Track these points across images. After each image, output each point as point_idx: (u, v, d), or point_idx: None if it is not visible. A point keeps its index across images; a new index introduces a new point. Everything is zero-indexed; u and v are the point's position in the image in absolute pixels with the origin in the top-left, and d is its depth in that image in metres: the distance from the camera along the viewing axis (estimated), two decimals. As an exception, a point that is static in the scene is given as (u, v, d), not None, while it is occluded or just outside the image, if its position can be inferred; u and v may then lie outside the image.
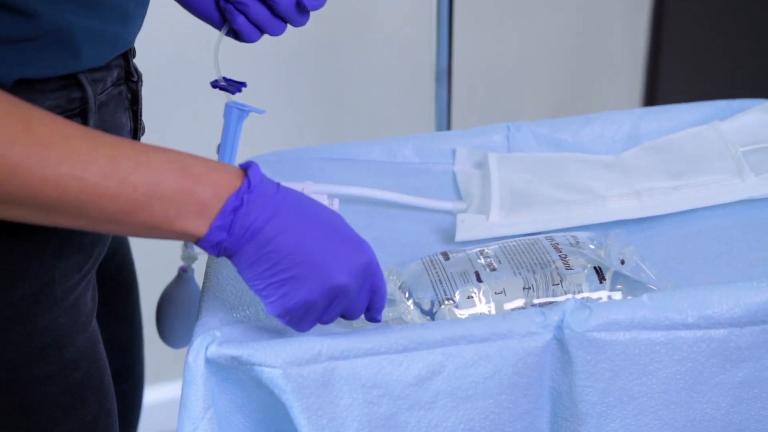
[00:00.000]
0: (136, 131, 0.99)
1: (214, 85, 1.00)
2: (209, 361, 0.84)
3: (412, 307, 0.93)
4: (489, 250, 0.97)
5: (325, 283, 0.79)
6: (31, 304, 0.86)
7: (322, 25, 1.96)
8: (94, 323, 0.95)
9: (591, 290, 0.93)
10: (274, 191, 0.78)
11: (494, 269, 0.94)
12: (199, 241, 0.77)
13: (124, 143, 0.75)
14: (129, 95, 0.95)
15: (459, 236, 1.05)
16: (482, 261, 0.95)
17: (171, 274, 1.15)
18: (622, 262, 0.96)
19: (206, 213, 0.76)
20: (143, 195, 0.74)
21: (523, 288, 0.93)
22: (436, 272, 0.95)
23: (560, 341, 0.86)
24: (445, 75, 1.74)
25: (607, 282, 0.93)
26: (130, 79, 0.96)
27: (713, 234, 1.04)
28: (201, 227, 0.76)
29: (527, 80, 2.20)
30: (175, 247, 1.07)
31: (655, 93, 2.27)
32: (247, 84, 1.00)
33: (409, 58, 2.04)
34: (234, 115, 0.99)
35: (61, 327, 0.89)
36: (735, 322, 0.85)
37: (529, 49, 2.17)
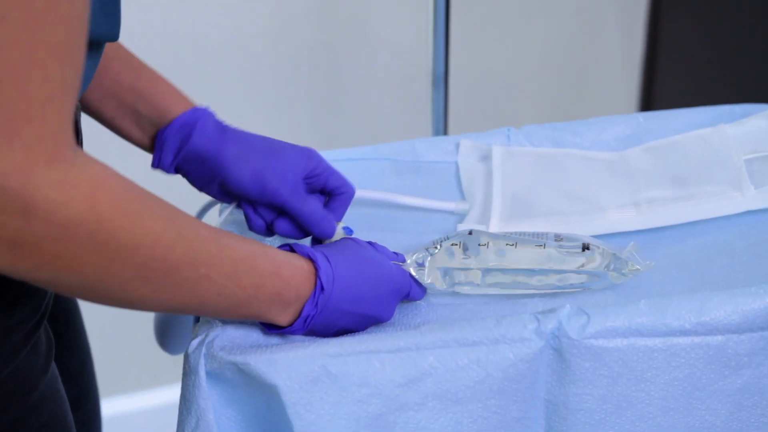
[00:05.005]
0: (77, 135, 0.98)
1: None
2: (205, 362, 0.85)
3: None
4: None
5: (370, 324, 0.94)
6: None
7: (320, 31, 1.96)
8: (53, 363, 0.94)
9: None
10: (332, 277, 0.88)
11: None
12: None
13: (238, 244, 0.82)
14: None
15: None
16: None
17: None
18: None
19: (289, 310, 0.87)
20: (249, 297, 0.83)
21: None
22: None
23: (556, 350, 0.85)
24: (441, 80, 1.74)
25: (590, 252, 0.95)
26: None
27: (715, 247, 1.04)
28: (283, 321, 0.87)
29: (524, 85, 2.20)
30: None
31: (652, 97, 2.26)
32: None
33: (406, 63, 2.03)
34: None
35: (23, 372, 0.89)
36: (733, 329, 0.85)
37: (525, 54, 2.17)
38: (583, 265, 0.95)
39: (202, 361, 0.85)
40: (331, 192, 1.02)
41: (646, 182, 1.11)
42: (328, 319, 0.88)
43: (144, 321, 1.79)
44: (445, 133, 1.80)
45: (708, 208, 1.07)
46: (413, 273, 0.95)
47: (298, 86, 1.98)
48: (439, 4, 1.68)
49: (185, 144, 0.99)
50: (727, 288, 0.88)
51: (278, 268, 0.85)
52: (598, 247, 0.96)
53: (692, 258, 1.02)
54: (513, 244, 0.96)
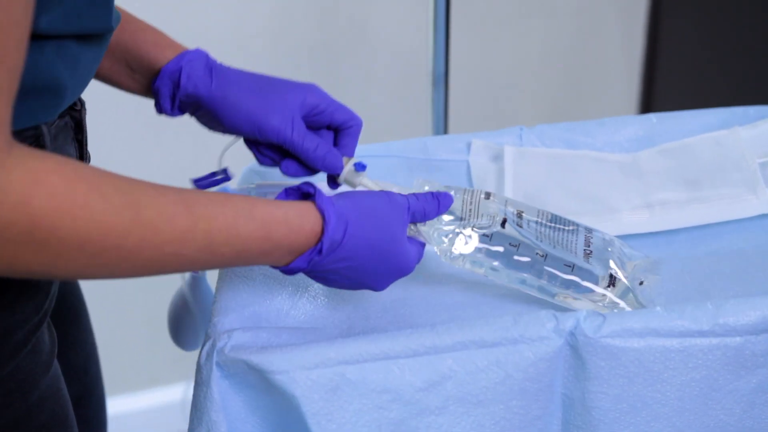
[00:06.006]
0: (82, 160, 0.97)
1: (198, 183, 1.03)
2: (220, 365, 0.84)
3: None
4: (528, 216, 0.98)
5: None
6: None
7: (320, 31, 1.95)
8: (56, 362, 0.94)
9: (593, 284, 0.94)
10: (339, 241, 0.85)
11: (520, 225, 0.95)
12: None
13: (217, 211, 0.80)
14: (73, 125, 0.94)
15: None
16: (514, 216, 0.97)
17: (178, 278, 1.14)
18: (641, 284, 0.96)
19: (280, 261, 0.86)
20: (230, 260, 0.82)
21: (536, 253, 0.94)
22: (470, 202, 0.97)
23: (573, 347, 0.85)
24: (442, 80, 1.74)
25: (615, 290, 0.93)
26: (74, 108, 0.95)
27: (728, 252, 1.03)
28: (277, 264, 0.86)
29: (524, 85, 2.20)
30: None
31: (652, 97, 2.27)
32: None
33: (406, 63, 2.03)
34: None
35: (24, 371, 0.88)
36: (750, 330, 0.85)
37: (525, 54, 2.17)
38: (604, 297, 0.94)
39: (214, 374, 0.84)
40: (339, 127, 1.00)
41: (659, 184, 1.11)
42: (320, 274, 0.87)
43: (144, 321, 1.78)
44: (445, 132, 1.80)
45: (722, 210, 1.07)
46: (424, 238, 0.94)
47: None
48: (439, 4, 1.68)
49: (177, 91, 0.99)
50: (740, 291, 0.88)
51: (269, 232, 0.83)
52: (621, 279, 0.95)
53: (705, 262, 1.02)
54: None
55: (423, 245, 0.93)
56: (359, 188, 0.99)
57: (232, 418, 0.85)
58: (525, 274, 0.94)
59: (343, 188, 0.99)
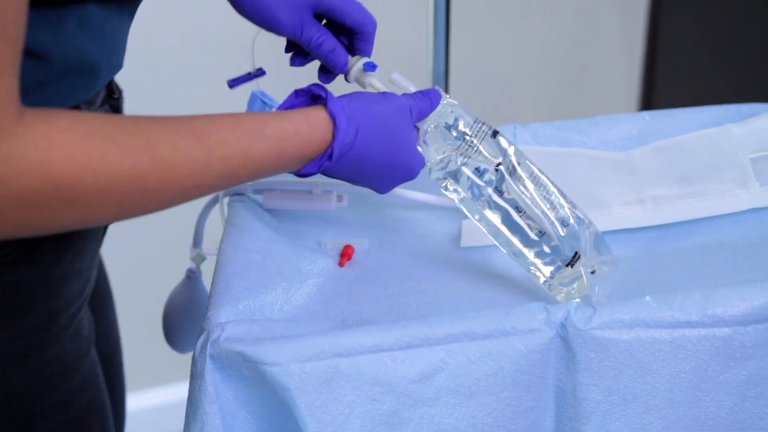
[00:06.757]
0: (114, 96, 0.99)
1: (234, 83, 1.02)
2: (214, 357, 0.84)
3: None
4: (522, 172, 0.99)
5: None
6: (40, 335, 0.88)
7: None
8: (93, 346, 0.95)
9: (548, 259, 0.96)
10: (350, 145, 0.88)
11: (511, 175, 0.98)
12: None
13: (229, 138, 0.81)
14: (111, 112, 0.95)
15: (464, 242, 1.07)
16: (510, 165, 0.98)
17: (178, 277, 1.15)
18: (593, 272, 0.96)
19: (294, 170, 0.89)
20: (248, 179, 0.85)
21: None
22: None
23: (564, 339, 0.86)
24: (442, 79, 1.75)
25: (572, 270, 0.95)
26: (112, 97, 0.96)
27: (719, 244, 1.04)
28: (291, 171, 0.89)
29: (524, 85, 2.20)
30: (183, 248, 1.07)
31: (652, 97, 2.27)
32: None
33: (406, 62, 2.03)
34: (257, 106, 1.02)
35: (67, 354, 0.91)
36: (739, 321, 0.85)
37: (525, 54, 2.17)
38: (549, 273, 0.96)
39: (208, 366, 0.84)
40: (353, 30, 1.00)
41: (652, 180, 1.12)
42: (330, 174, 0.90)
43: (145, 321, 1.79)
44: (446, 132, 1.80)
45: (713, 205, 1.07)
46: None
47: (298, 86, 1.98)
48: (439, 4, 1.68)
49: None
50: (731, 282, 0.89)
51: (282, 149, 0.85)
52: (582, 266, 0.96)
53: (696, 255, 1.02)
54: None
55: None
56: (368, 89, 1.00)
57: (223, 412, 0.86)
58: (498, 218, 0.96)
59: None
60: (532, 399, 0.87)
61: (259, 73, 1.05)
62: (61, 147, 0.71)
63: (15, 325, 0.87)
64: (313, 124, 0.87)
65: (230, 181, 0.83)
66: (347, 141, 0.87)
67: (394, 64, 2.05)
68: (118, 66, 0.94)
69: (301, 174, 0.89)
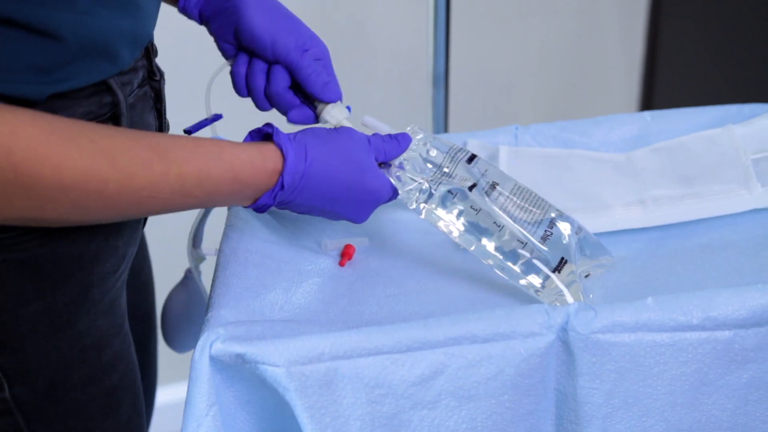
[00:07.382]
0: (161, 129, 1.01)
1: (192, 129, 1.05)
2: (214, 358, 0.84)
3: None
4: (501, 189, 1.00)
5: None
6: (73, 309, 0.91)
7: (320, 30, 1.95)
8: (127, 325, 0.97)
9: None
10: (301, 174, 0.89)
11: (488, 195, 0.99)
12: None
13: (188, 157, 0.84)
14: (153, 95, 0.98)
15: None
16: (486, 186, 0.99)
17: (177, 277, 1.15)
18: (587, 276, 0.96)
19: (250, 200, 0.90)
20: (203, 201, 0.87)
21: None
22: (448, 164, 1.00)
23: (564, 342, 0.85)
24: (442, 79, 1.75)
25: (560, 276, 0.95)
26: (153, 78, 0.99)
27: (720, 245, 1.04)
28: (248, 204, 0.91)
29: (524, 84, 2.20)
30: (181, 247, 1.07)
31: (652, 97, 2.27)
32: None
33: (407, 62, 2.04)
34: None
35: (100, 330, 0.94)
36: (740, 324, 0.85)
37: (525, 53, 2.17)
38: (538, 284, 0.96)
39: (208, 367, 0.84)
40: (316, 95, 1.02)
41: (653, 181, 1.12)
42: (294, 206, 0.92)
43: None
44: (446, 131, 1.80)
45: (715, 205, 1.07)
46: (394, 183, 0.97)
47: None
48: (439, 4, 1.68)
49: None
50: (732, 285, 0.88)
51: (236, 173, 0.87)
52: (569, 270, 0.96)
53: (697, 255, 1.02)
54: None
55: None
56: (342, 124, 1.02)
57: (223, 413, 0.86)
58: (479, 236, 0.97)
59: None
60: (531, 402, 0.86)
61: (216, 117, 1.07)
62: (23, 137, 0.73)
63: (47, 299, 0.89)
64: (266, 155, 0.89)
65: (186, 199, 0.84)
66: (297, 170, 0.89)
67: (394, 64, 2.06)
68: (148, 35, 0.96)
69: (257, 208, 0.90)
